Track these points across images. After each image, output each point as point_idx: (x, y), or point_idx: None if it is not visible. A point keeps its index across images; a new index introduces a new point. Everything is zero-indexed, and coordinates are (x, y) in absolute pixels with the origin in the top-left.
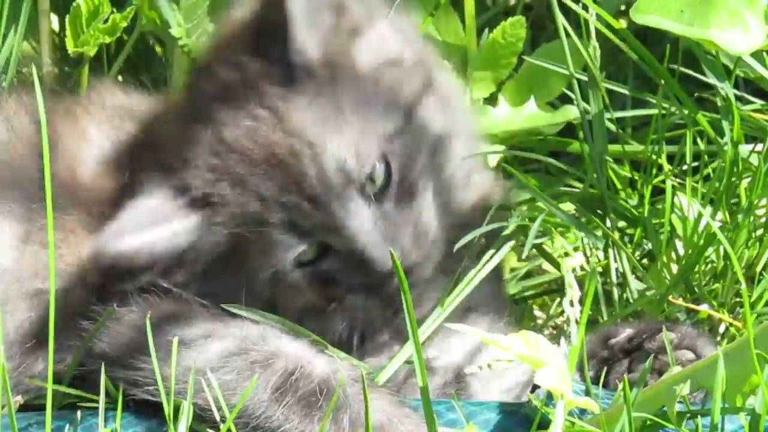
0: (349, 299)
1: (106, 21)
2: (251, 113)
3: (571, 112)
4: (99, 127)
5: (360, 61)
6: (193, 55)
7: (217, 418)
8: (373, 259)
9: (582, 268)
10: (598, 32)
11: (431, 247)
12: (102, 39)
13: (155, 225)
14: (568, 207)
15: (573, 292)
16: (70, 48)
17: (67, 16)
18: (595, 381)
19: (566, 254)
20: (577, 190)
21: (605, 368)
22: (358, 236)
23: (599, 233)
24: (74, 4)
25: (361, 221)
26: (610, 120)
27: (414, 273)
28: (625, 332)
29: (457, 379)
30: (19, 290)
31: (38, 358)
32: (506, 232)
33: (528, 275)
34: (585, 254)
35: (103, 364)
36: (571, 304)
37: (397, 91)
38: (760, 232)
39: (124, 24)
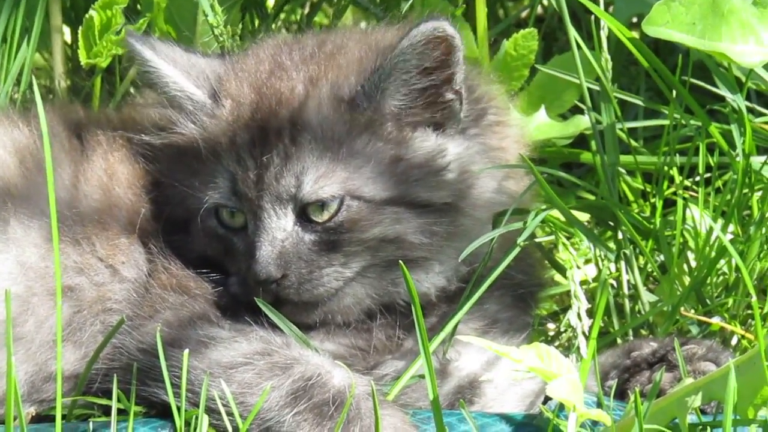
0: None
1: (118, 33)
2: None
3: (582, 123)
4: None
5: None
6: (224, 45)
7: (236, 414)
8: (257, 264)
9: (594, 280)
10: (610, 44)
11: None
12: (114, 50)
13: None
14: (582, 218)
15: (580, 304)
16: (83, 60)
17: (80, 28)
18: (617, 393)
19: (576, 266)
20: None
21: (626, 377)
22: (265, 234)
23: (611, 245)
24: (87, 16)
25: (277, 229)
26: (622, 131)
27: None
28: (650, 346)
29: (472, 385)
30: (44, 286)
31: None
32: (522, 238)
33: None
34: (597, 266)
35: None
36: (579, 317)
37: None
38: None
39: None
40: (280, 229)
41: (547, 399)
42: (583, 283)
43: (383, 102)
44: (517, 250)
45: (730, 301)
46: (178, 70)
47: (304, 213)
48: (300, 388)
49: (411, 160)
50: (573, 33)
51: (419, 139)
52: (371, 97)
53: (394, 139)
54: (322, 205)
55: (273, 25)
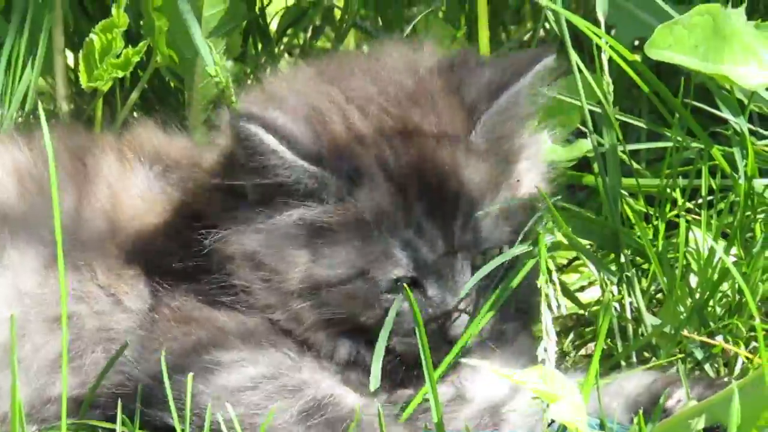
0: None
1: (118, 56)
2: None
3: (585, 146)
4: (143, 165)
5: None
6: (224, 88)
7: None
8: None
9: (598, 302)
10: (612, 65)
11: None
12: (115, 74)
13: None
14: (584, 241)
15: (548, 340)
16: (84, 83)
17: (80, 51)
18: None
19: (547, 296)
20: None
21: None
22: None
23: (614, 267)
24: (87, 39)
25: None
26: (624, 153)
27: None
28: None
29: (493, 412)
30: (40, 314)
31: (56, 381)
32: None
33: None
34: (602, 287)
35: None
36: (545, 350)
37: None
38: None
39: (137, 59)
40: (468, 283)
41: (552, 422)
42: (587, 305)
43: (505, 142)
44: (524, 272)
45: (734, 322)
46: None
47: (482, 260)
48: (312, 407)
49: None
50: (575, 57)
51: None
52: (499, 136)
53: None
54: (500, 249)
55: (276, 50)
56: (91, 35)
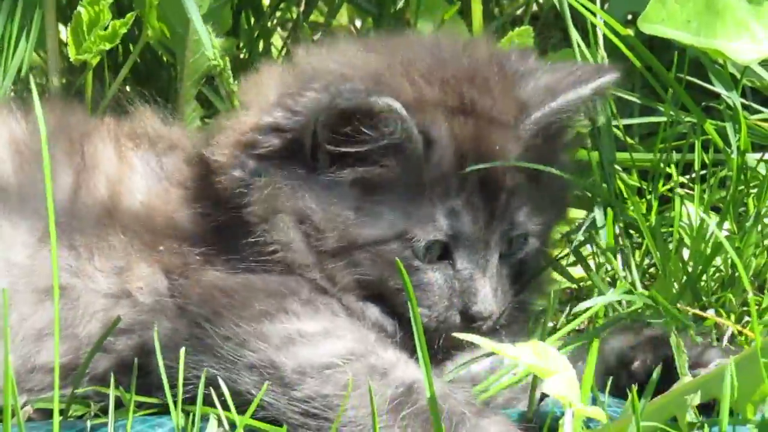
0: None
1: (106, 28)
2: None
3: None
4: (143, 155)
5: None
6: (221, 70)
7: (330, 417)
8: (480, 302)
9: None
10: (605, 41)
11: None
12: (103, 46)
13: None
14: (578, 214)
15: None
16: (72, 56)
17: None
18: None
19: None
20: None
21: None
22: (487, 272)
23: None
24: (75, 12)
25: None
26: (618, 128)
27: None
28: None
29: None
30: (29, 284)
31: (41, 350)
32: None
33: None
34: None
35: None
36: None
37: None
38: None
39: (124, 30)
40: (494, 265)
41: (543, 397)
42: (579, 280)
43: (548, 143)
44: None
45: (726, 297)
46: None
47: (507, 247)
48: (402, 395)
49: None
50: (575, 35)
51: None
52: (544, 135)
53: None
54: (525, 237)
55: (269, 24)
56: (79, 8)
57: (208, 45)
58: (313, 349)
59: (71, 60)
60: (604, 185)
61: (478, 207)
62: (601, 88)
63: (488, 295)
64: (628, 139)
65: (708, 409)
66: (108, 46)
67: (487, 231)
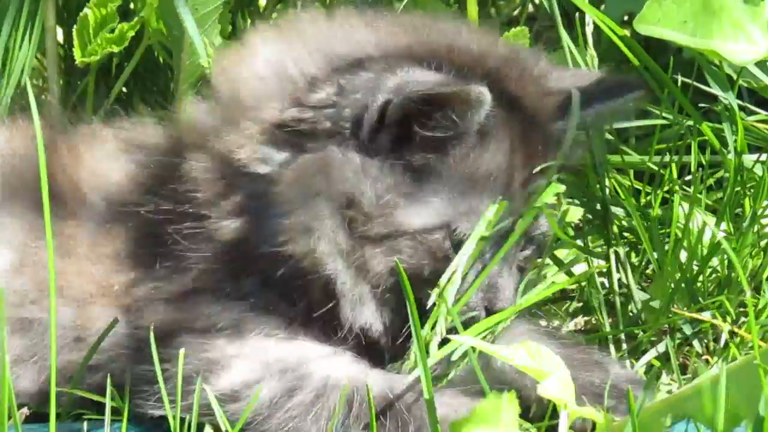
0: None
1: (113, 31)
2: None
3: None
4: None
5: None
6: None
7: None
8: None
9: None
10: (601, 42)
11: None
12: (110, 48)
13: None
14: (575, 214)
15: None
16: (78, 58)
17: (74, 26)
18: None
19: None
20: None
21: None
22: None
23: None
24: (81, 14)
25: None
26: (609, 131)
27: None
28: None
29: None
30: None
31: (19, 377)
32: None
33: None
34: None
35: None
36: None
37: None
38: (764, 242)
39: (132, 33)
40: (516, 262)
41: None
42: (576, 279)
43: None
44: None
45: (723, 298)
46: None
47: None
48: (346, 416)
49: None
50: (566, 38)
51: None
52: (570, 139)
53: None
54: (542, 236)
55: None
56: (86, 9)
57: (203, 53)
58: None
59: (77, 62)
60: (597, 186)
61: (519, 203)
62: (629, 102)
63: (511, 293)
64: (620, 141)
65: None
66: (116, 49)
67: (516, 248)
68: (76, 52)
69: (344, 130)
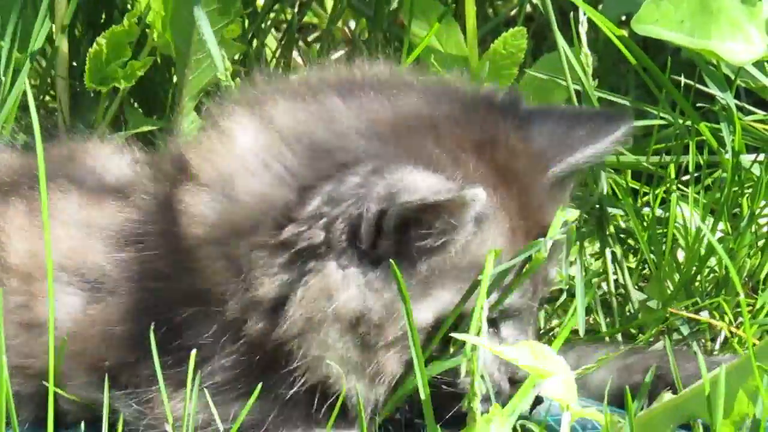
0: None
1: (124, 66)
2: None
3: None
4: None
5: None
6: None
7: None
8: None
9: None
10: (598, 42)
11: None
12: (118, 84)
13: None
14: (573, 215)
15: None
16: (88, 84)
17: (89, 51)
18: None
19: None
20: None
21: None
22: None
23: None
24: (97, 41)
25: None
26: None
27: None
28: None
29: None
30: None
31: None
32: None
33: None
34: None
35: None
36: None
37: None
38: (761, 242)
39: (141, 73)
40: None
41: (536, 404)
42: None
43: (563, 192)
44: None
45: (720, 299)
46: None
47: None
48: None
49: None
50: (561, 41)
51: None
52: (561, 186)
53: None
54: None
55: (263, 25)
56: (101, 40)
57: (221, 66)
58: None
59: (86, 86)
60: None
61: (529, 282)
62: (617, 140)
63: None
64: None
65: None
66: (125, 85)
67: (534, 298)
68: (87, 78)
69: (340, 243)
